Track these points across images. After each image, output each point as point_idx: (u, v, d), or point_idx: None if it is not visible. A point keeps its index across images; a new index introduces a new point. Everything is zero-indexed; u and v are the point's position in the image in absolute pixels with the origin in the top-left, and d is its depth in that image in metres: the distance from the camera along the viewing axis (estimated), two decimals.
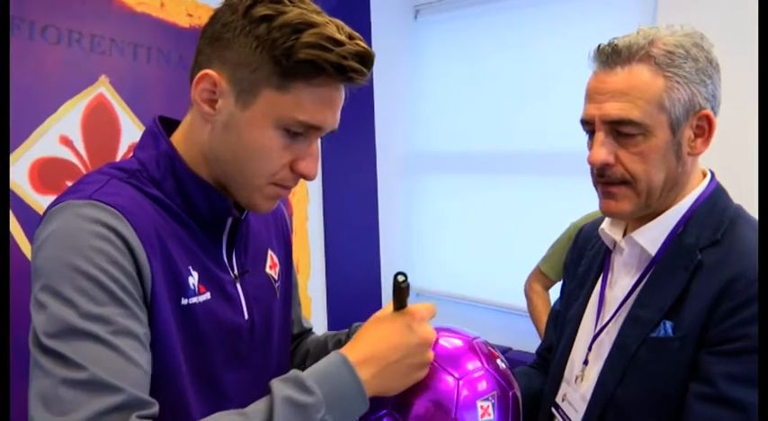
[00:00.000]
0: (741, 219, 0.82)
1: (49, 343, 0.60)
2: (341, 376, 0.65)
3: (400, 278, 0.65)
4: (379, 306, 2.66)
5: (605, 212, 0.88)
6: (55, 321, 0.60)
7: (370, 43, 2.72)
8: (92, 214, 0.65)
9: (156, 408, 0.62)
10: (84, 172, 1.70)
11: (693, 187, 0.86)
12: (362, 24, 2.60)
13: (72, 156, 1.69)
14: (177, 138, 0.78)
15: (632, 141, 0.81)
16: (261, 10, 0.68)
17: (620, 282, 0.90)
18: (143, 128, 1.89)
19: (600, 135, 0.83)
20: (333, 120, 0.74)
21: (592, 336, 0.90)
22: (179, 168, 0.75)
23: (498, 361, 0.72)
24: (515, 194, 2.60)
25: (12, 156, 1.57)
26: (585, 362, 0.90)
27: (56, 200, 0.69)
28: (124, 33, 1.80)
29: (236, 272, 0.82)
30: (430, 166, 2.93)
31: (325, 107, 0.72)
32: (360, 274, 2.62)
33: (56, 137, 1.66)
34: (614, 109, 0.81)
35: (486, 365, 0.70)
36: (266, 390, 0.65)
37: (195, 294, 0.74)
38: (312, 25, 0.67)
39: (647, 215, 0.87)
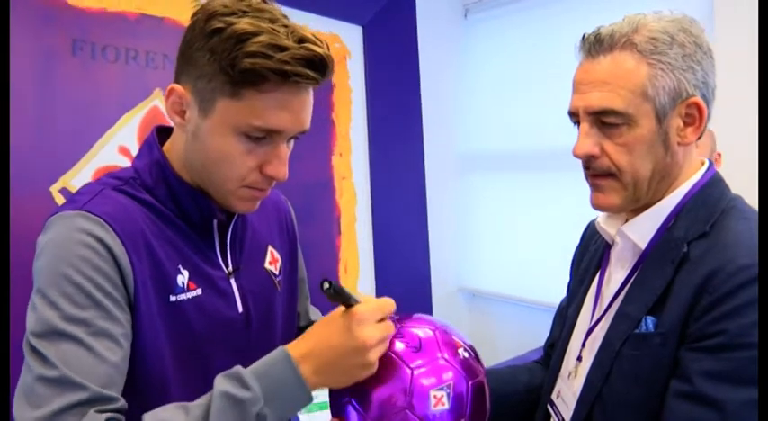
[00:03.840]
0: (734, 211, 0.78)
1: (34, 342, 0.68)
2: (281, 371, 0.68)
3: (325, 285, 0.65)
4: (429, 307, 2.69)
5: (595, 206, 0.86)
6: (41, 322, 0.68)
7: (416, 44, 2.70)
8: (80, 225, 0.72)
9: (118, 404, 0.68)
10: None
11: (687, 178, 0.82)
12: (408, 25, 2.63)
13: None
14: (168, 147, 0.83)
15: (617, 132, 0.79)
16: (213, 23, 0.72)
17: (615, 277, 0.88)
18: None
19: (584, 126, 0.82)
20: (294, 122, 0.76)
21: (586, 332, 0.89)
22: (169, 175, 0.80)
23: (460, 350, 0.73)
24: (568, 193, 2.52)
25: (76, 166, 1.73)
26: (579, 359, 0.88)
27: (56, 209, 0.76)
28: (176, 48, 1.93)
29: (230, 268, 0.87)
30: (480, 166, 2.90)
31: (280, 111, 0.73)
32: (409, 275, 2.65)
33: (115, 147, 1.81)
34: (596, 99, 0.79)
35: (443, 355, 0.71)
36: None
37: (184, 291, 0.80)
38: (256, 34, 0.70)
39: (640, 208, 0.84)
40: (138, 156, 0.85)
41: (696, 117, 0.79)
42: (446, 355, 0.71)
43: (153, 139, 0.84)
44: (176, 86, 0.76)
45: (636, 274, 0.82)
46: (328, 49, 0.75)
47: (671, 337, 0.74)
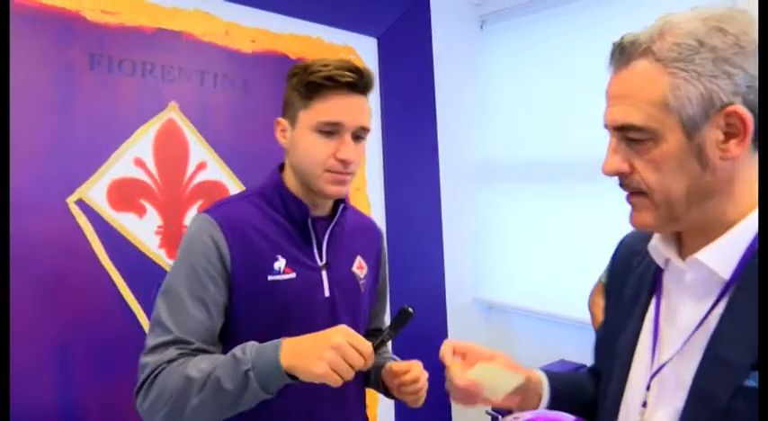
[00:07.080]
0: None
1: (158, 296, 1.05)
2: (270, 352, 0.95)
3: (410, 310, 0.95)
4: (443, 317, 2.66)
5: (633, 225, 0.80)
6: (167, 282, 1.05)
7: (431, 55, 2.70)
8: (203, 225, 1.07)
9: (193, 346, 1.00)
10: (156, 190, 1.86)
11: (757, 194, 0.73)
12: (423, 37, 2.63)
13: (145, 176, 1.84)
14: (284, 172, 1.17)
15: (644, 148, 0.72)
16: (293, 71, 1.11)
17: (684, 310, 0.77)
18: (210, 148, 2.01)
19: (613, 142, 0.76)
20: (351, 118, 1.06)
21: (650, 374, 0.79)
22: (282, 190, 1.14)
23: None
24: (586, 203, 2.49)
25: (92, 178, 1.74)
26: (644, 405, 0.79)
27: (205, 209, 1.11)
28: (192, 62, 1.93)
29: (323, 262, 1.14)
30: (495, 176, 2.88)
31: (337, 108, 1.05)
32: (424, 286, 2.61)
33: (131, 159, 1.81)
34: (617, 114, 0.73)
35: None
36: None
37: (280, 273, 1.08)
38: (317, 62, 1.07)
39: (701, 230, 0.75)
40: (266, 177, 1.19)
41: (739, 127, 0.68)
42: None
43: (276, 168, 1.19)
44: (280, 119, 1.14)
45: (724, 308, 0.71)
46: (370, 72, 1.08)
47: None
